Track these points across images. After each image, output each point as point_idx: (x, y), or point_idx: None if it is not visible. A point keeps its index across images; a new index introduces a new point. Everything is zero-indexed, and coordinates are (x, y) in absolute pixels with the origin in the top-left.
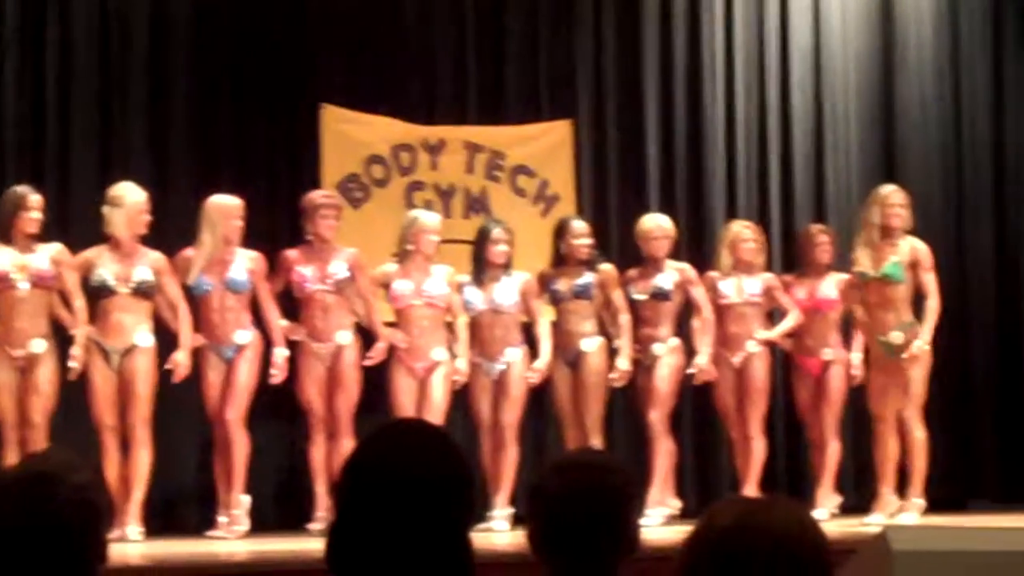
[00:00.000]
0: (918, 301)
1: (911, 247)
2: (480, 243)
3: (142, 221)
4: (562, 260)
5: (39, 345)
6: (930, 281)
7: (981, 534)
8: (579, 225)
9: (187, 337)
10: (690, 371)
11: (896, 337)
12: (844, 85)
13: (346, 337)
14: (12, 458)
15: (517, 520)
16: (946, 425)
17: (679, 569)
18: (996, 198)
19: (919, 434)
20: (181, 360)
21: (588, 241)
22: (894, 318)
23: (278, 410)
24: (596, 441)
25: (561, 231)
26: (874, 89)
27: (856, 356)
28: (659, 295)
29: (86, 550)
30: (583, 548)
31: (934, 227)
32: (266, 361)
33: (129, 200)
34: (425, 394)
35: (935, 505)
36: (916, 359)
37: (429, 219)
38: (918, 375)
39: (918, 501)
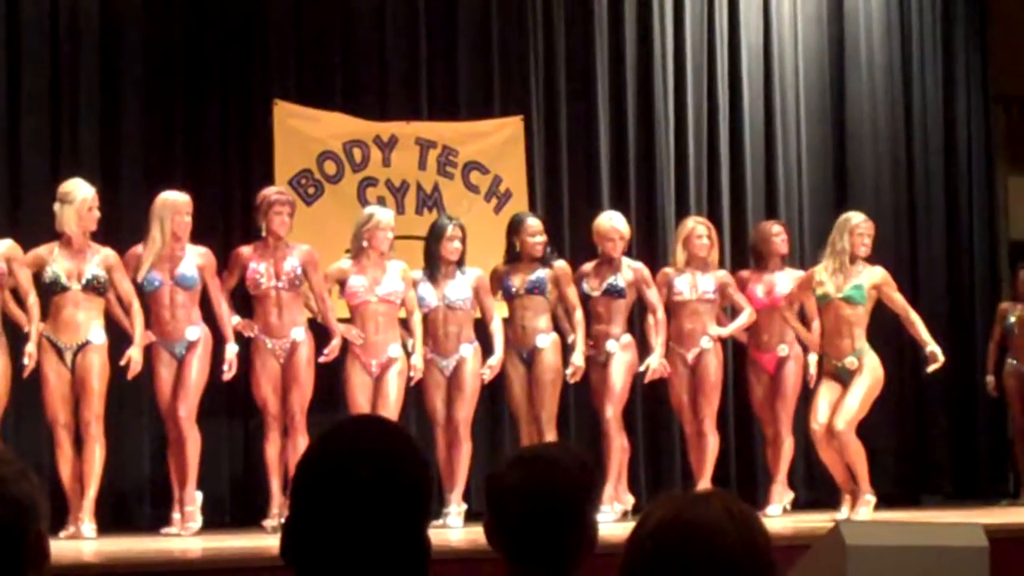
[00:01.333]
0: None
1: (879, 271)
2: (433, 240)
3: (92, 217)
4: (516, 256)
5: None
6: (900, 298)
7: (932, 529)
8: (533, 222)
9: (140, 333)
10: (641, 370)
11: (851, 363)
12: (794, 83)
13: (300, 334)
14: None
15: (471, 516)
16: (900, 423)
17: (620, 565)
18: (947, 192)
19: (855, 445)
20: (135, 356)
21: (542, 238)
22: (849, 344)
23: (232, 407)
24: (550, 437)
25: (515, 228)
26: (824, 86)
27: (813, 356)
28: (613, 292)
29: (9, 550)
30: (540, 542)
31: (885, 222)
32: (217, 357)
33: (79, 196)
34: (380, 391)
35: (889, 500)
36: (860, 376)
37: (384, 215)
38: (858, 392)
39: (869, 497)
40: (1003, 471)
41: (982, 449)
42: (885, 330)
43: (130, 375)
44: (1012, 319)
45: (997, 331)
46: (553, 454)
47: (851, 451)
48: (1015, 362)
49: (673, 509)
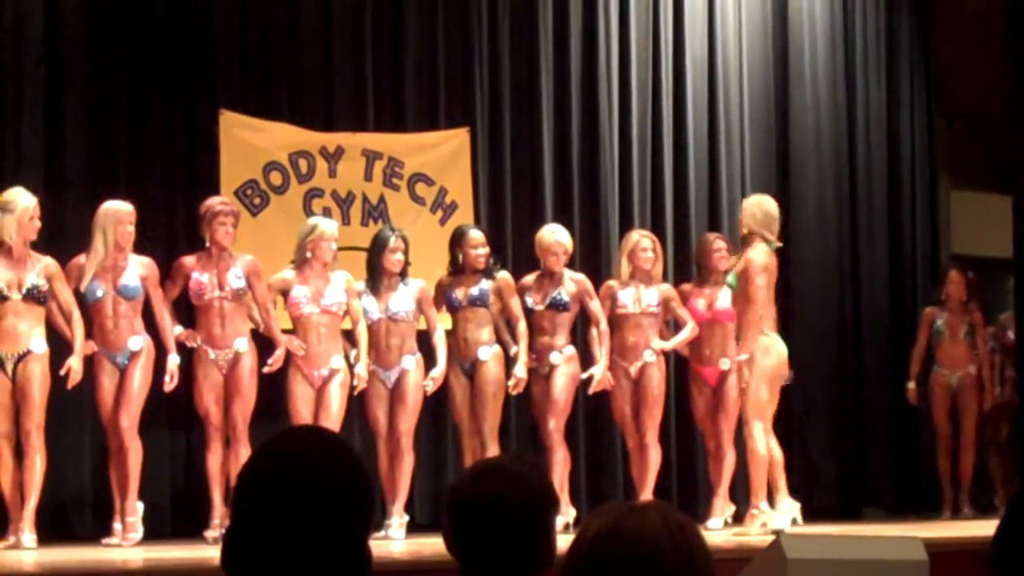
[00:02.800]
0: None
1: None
2: (375, 251)
3: (33, 227)
4: (460, 269)
5: None
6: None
7: (872, 543)
8: (476, 235)
9: (80, 343)
10: (583, 378)
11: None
12: (738, 93)
13: (243, 344)
14: None
15: (413, 528)
16: (841, 436)
17: (560, 574)
18: (890, 206)
19: (751, 444)
20: (75, 366)
21: (485, 251)
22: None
23: (174, 417)
24: (492, 449)
25: (458, 240)
26: (768, 98)
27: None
28: (557, 305)
29: None
30: (502, 556)
31: (828, 235)
32: (160, 368)
33: (20, 205)
34: (322, 402)
35: (831, 513)
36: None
37: (328, 226)
38: (753, 384)
39: (755, 511)
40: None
41: (923, 463)
42: (826, 345)
43: (70, 385)
44: (940, 324)
45: (923, 338)
46: (517, 468)
47: (748, 448)
48: (941, 369)
49: (611, 520)
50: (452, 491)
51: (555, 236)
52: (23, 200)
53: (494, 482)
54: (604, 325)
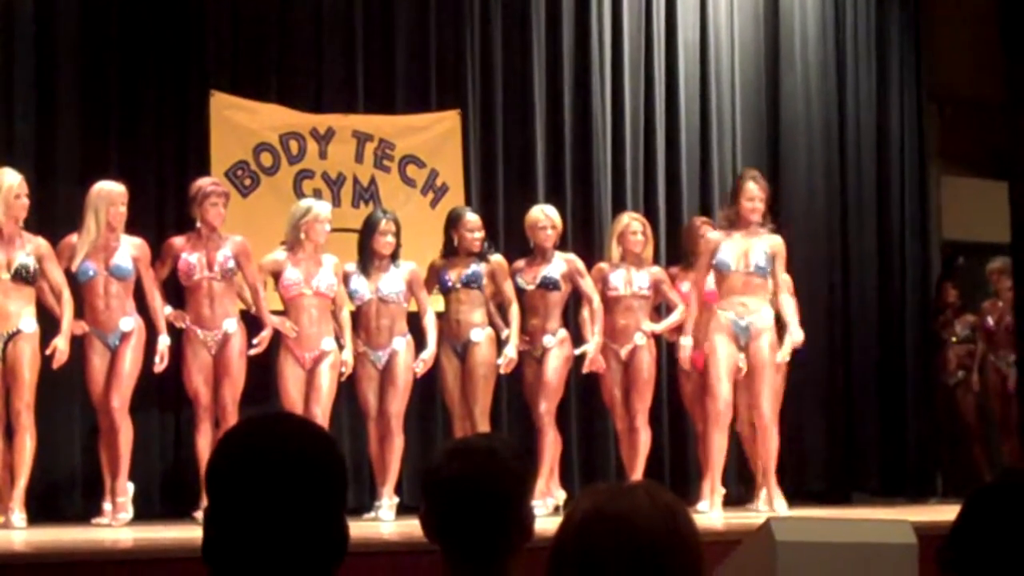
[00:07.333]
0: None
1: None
2: (366, 233)
3: (21, 205)
4: (453, 251)
5: None
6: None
7: (860, 526)
8: (472, 218)
9: (68, 323)
10: (577, 353)
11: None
12: (730, 79)
13: (232, 325)
14: None
15: (403, 509)
16: (830, 420)
17: (548, 556)
18: (879, 192)
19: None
20: (61, 346)
21: (480, 234)
22: None
23: (164, 398)
24: (483, 431)
25: (454, 222)
26: (760, 84)
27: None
28: (547, 284)
29: None
30: (477, 534)
31: (818, 219)
32: (151, 348)
33: (5, 184)
34: (313, 383)
35: (819, 497)
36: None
37: (323, 209)
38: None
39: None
40: (932, 469)
41: (911, 446)
42: (815, 329)
43: (55, 365)
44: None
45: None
46: (489, 445)
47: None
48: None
49: (599, 501)
50: (425, 471)
51: (542, 211)
52: (8, 178)
53: (464, 458)
54: (597, 303)
